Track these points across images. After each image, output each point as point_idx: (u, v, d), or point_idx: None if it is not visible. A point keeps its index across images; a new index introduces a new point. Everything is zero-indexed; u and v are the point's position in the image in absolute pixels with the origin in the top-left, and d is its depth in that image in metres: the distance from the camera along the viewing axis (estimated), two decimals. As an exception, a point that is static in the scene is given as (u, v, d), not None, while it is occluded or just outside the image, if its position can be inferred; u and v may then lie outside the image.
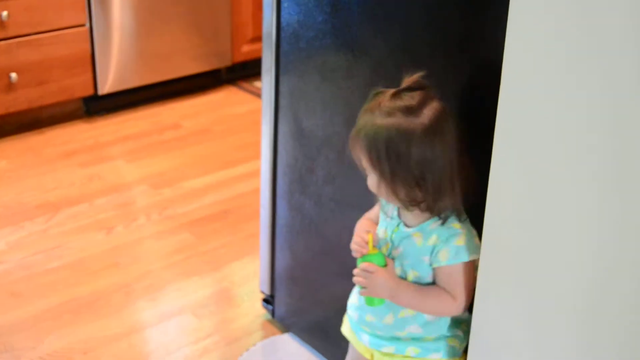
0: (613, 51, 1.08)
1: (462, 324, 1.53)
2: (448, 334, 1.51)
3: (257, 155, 2.12)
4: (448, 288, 1.43)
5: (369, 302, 1.48)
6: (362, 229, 1.56)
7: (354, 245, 1.48)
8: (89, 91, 3.37)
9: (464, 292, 1.42)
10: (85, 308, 2.30)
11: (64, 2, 3.17)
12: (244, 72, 3.91)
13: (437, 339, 1.51)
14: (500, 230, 1.31)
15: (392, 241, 1.47)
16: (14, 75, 3.12)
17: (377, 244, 1.50)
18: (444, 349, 1.51)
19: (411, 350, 1.51)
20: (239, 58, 3.80)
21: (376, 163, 1.37)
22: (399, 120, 1.34)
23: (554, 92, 1.17)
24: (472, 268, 1.42)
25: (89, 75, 3.35)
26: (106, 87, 3.41)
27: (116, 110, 3.52)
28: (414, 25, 1.57)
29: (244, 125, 3.46)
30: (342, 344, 1.95)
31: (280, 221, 2.07)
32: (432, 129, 1.34)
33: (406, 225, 1.46)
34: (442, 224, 1.42)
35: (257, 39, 3.70)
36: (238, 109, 3.63)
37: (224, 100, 3.72)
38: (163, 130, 3.40)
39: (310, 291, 2.03)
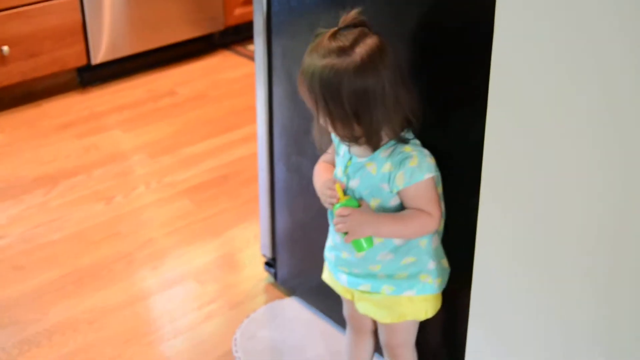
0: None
1: (433, 256, 1.57)
2: (420, 270, 1.56)
3: (253, 119, 2.10)
4: (419, 207, 1.49)
5: (358, 247, 1.51)
6: (320, 174, 1.63)
7: (325, 199, 1.55)
8: (82, 61, 3.34)
9: (435, 206, 1.49)
10: (88, 279, 2.30)
11: (52, -28, 3.14)
12: (237, 35, 3.87)
13: (410, 276, 1.56)
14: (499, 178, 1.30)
15: (347, 176, 1.53)
16: (5, 48, 3.09)
17: (345, 189, 1.54)
18: (417, 285, 1.57)
19: (386, 288, 1.57)
20: (232, 21, 3.76)
21: (315, 102, 1.45)
22: (332, 60, 1.41)
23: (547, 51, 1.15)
24: (433, 183, 1.49)
25: (82, 45, 3.31)
26: (99, 56, 3.38)
27: (110, 80, 3.49)
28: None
29: (240, 89, 3.43)
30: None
31: (278, 184, 2.06)
32: (363, 66, 1.40)
33: (359, 157, 1.52)
34: (389, 154, 1.48)
35: (249, 1, 3.66)
36: (233, 73, 3.60)
37: (219, 65, 3.69)
38: (158, 97, 3.37)
39: (311, 252, 2.03)
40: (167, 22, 3.56)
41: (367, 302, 1.61)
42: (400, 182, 1.47)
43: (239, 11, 3.75)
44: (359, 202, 1.50)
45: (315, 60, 1.43)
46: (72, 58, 3.31)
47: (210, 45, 3.81)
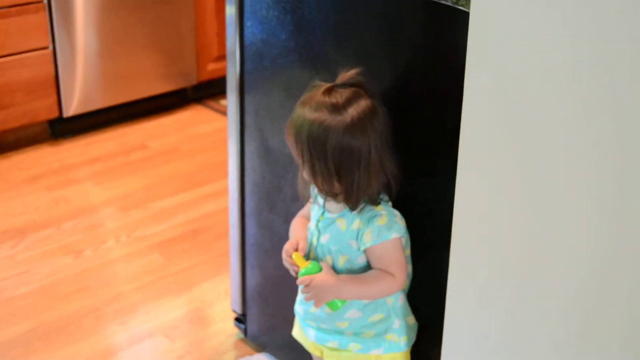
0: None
1: (399, 314, 1.58)
2: (387, 328, 1.57)
3: (225, 174, 2.12)
4: (384, 267, 1.50)
5: (333, 307, 1.53)
6: (293, 231, 1.65)
7: (286, 266, 1.58)
8: (54, 114, 3.35)
9: (399, 268, 1.50)
10: (55, 334, 2.27)
11: (26, 25, 3.15)
12: (210, 90, 3.90)
13: (377, 334, 1.57)
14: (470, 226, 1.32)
15: (318, 230, 1.55)
16: (-23, 100, 3.09)
17: (305, 254, 1.57)
18: (383, 344, 1.58)
19: (353, 346, 1.58)
20: (205, 77, 3.80)
21: (301, 154, 1.47)
22: (323, 116, 1.43)
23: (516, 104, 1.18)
24: (399, 245, 1.50)
25: (54, 97, 3.32)
26: (71, 109, 3.39)
27: (82, 133, 3.49)
28: (373, 41, 1.58)
29: (212, 144, 3.45)
30: (315, 360, 1.95)
31: (249, 240, 2.07)
32: (353, 127, 1.43)
33: (330, 212, 1.54)
34: (359, 211, 1.50)
35: (223, 57, 3.70)
36: (205, 127, 3.62)
37: (191, 120, 3.71)
38: (130, 151, 3.38)
39: (281, 309, 2.03)
40: (139, 76, 3.58)
41: (335, 359, 1.62)
42: (367, 239, 1.49)
43: (211, 67, 3.79)
44: (321, 266, 1.52)
45: (306, 112, 1.45)
46: (44, 110, 3.31)
47: (183, 99, 3.84)
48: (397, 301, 1.57)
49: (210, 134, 3.55)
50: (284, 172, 1.88)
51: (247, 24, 1.85)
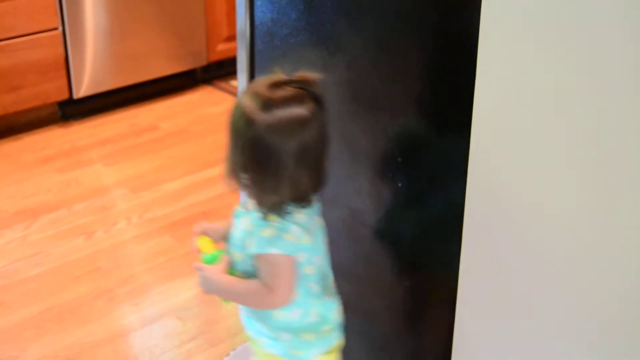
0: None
1: (290, 330, 1.52)
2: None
3: (235, 155, 2.11)
4: (264, 279, 1.44)
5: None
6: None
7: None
8: (64, 95, 3.34)
9: (279, 285, 1.42)
10: (68, 314, 2.28)
11: (35, 7, 3.14)
12: (219, 71, 3.89)
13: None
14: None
15: (234, 222, 1.52)
16: (-13, 82, 3.10)
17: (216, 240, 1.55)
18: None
19: (263, 340, 1.55)
20: (215, 57, 3.79)
21: (227, 132, 1.43)
22: (253, 107, 1.36)
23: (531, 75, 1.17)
24: (284, 262, 1.41)
25: (64, 79, 3.32)
26: (81, 90, 3.38)
27: (92, 114, 3.49)
28: (388, 19, 1.57)
29: (222, 124, 3.38)
30: (327, 341, 1.95)
31: (261, 220, 2.06)
32: (274, 129, 1.35)
33: (244, 207, 1.51)
34: (263, 217, 1.42)
35: (232, 37, 3.69)
36: (215, 108, 3.61)
37: (201, 100, 3.70)
38: (140, 132, 3.37)
39: (293, 289, 2.03)
40: (149, 57, 3.57)
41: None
42: (250, 245, 1.43)
43: (221, 47, 3.77)
44: (221, 259, 1.49)
45: (244, 96, 1.40)
46: (55, 92, 3.31)
47: (193, 80, 3.83)
48: (289, 316, 1.50)
49: (220, 115, 3.53)
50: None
51: (257, 3, 1.84)
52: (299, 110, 1.36)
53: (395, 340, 1.77)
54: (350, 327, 1.85)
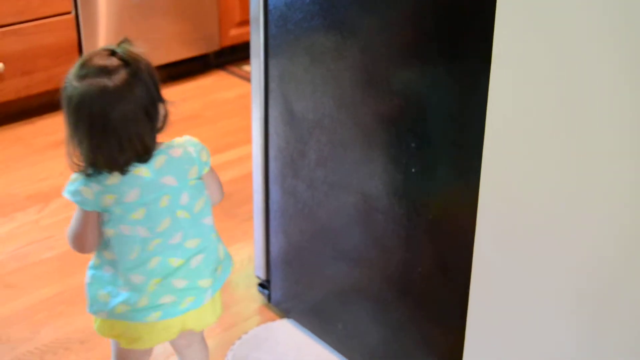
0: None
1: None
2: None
3: (248, 140, 2.11)
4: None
5: None
6: None
7: None
8: (77, 79, 3.34)
9: (70, 224, 1.61)
10: (80, 298, 2.28)
11: (48, -10, 3.15)
12: (232, 56, 3.89)
13: None
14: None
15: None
16: (0, 65, 3.10)
17: None
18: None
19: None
20: (227, 42, 3.78)
21: None
22: (71, 74, 1.46)
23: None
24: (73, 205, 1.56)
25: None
26: (94, 75, 3.38)
27: (105, 98, 3.49)
28: (401, 3, 1.56)
29: (234, 109, 3.44)
30: (339, 325, 1.96)
31: (273, 205, 2.06)
32: (73, 100, 1.45)
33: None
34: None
35: (245, 22, 3.68)
36: (227, 93, 3.61)
37: (213, 85, 3.70)
38: (153, 117, 3.37)
39: (305, 274, 2.03)
40: (162, 42, 3.57)
41: None
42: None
43: (234, 32, 3.77)
44: None
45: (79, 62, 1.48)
46: (67, 76, 3.31)
47: (205, 65, 3.82)
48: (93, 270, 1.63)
49: (233, 100, 3.54)
50: (308, 137, 1.87)
51: (271, -13, 1.83)
52: (104, 82, 1.44)
53: (407, 326, 1.77)
54: (361, 312, 1.85)
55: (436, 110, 1.55)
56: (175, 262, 1.57)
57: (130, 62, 1.47)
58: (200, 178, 1.60)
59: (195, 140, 1.62)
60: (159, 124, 1.56)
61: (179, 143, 1.59)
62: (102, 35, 3.35)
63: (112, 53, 1.47)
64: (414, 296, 1.73)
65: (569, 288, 1.27)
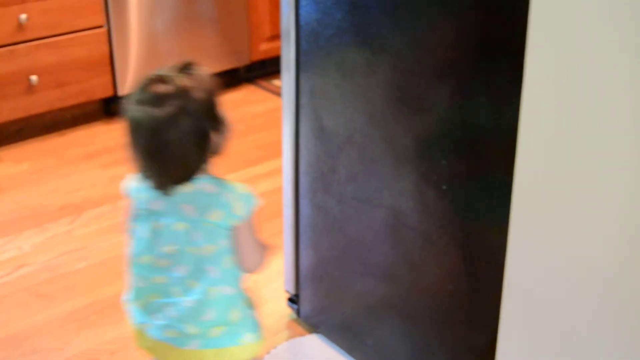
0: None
1: None
2: None
3: (277, 154, 2.12)
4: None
5: None
6: None
7: None
8: (109, 92, 3.39)
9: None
10: (111, 309, 2.31)
11: (81, 4, 3.19)
12: (262, 70, 3.91)
13: None
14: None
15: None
16: (34, 77, 3.14)
17: None
18: None
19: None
20: (257, 57, 3.80)
21: None
22: (130, 98, 1.50)
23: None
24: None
25: (108, 76, 3.36)
26: (125, 87, 3.42)
27: (136, 111, 3.52)
28: (432, 20, 1.56)
29: (264, 124, 3.45)
30: (368, 341, 1.96)
31: (303, 220, 2.07)
32: (129, 123, 1.49)
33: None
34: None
35: (275, 37, 3.70)
36: (257, 107, 3.63)
37: (243, 99, 3.72)
38: (183, 129, 3.39)
39: (334, 290, 2.03)
40: (192, 56, 3.58)
41: None
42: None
43: (264, 46, 3.79)
44: None
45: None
46: (99, 89, 3.35)
47: (235, 79, 3.85)
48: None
49: (263, 114, 3.55)
50: (339, 153, 1.87)
51: (302, 3, 1.84)
52: (154, 111, 1.46)
53: (436, 344, 1.77)
54: (390, 328, 1.85)
55: (467, 127, 1.55)
56: (176, 292, 1.57)
57: (181, 95, 1.48)
58: (229, 229, 1.58)
59: (244, 191, 1.63)
60: (211, 151, 1.59)
61: (223, 184, 1.62)
62: (134, 48, 3.39)
63: (171, 80, 1.48)
64: (444, 314, 1.72)
65: (607, 310, 1.26)
